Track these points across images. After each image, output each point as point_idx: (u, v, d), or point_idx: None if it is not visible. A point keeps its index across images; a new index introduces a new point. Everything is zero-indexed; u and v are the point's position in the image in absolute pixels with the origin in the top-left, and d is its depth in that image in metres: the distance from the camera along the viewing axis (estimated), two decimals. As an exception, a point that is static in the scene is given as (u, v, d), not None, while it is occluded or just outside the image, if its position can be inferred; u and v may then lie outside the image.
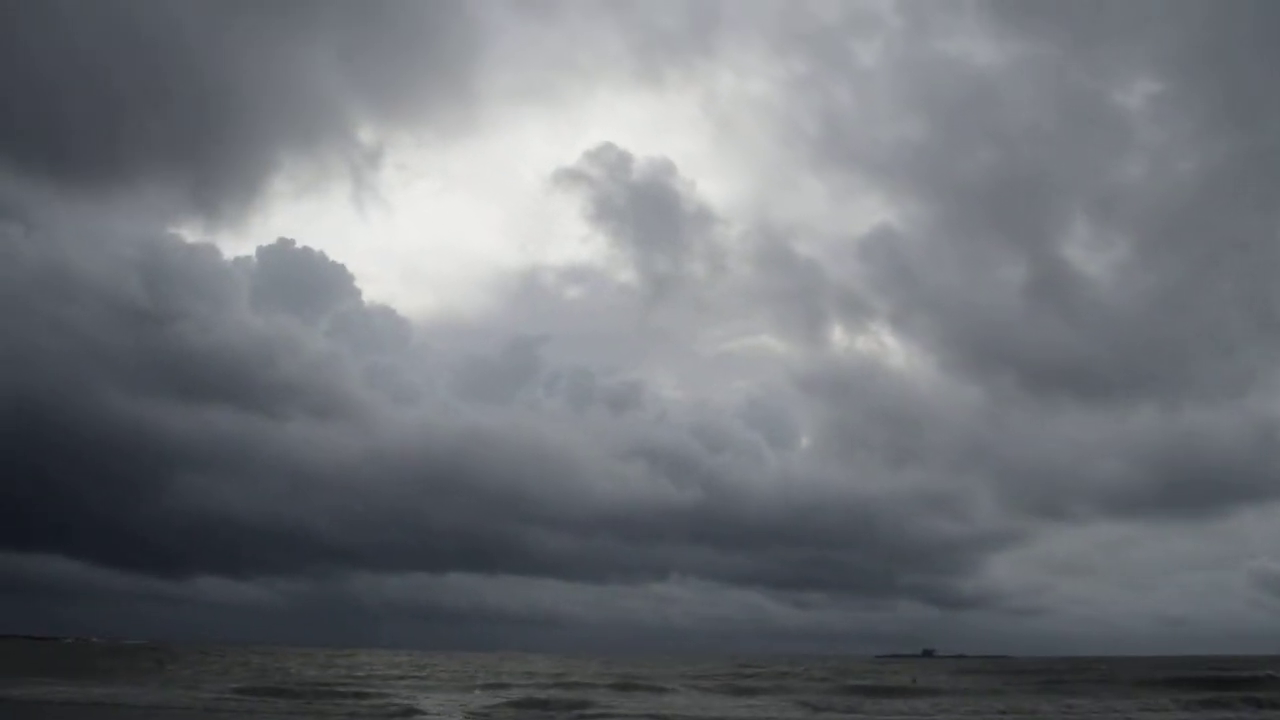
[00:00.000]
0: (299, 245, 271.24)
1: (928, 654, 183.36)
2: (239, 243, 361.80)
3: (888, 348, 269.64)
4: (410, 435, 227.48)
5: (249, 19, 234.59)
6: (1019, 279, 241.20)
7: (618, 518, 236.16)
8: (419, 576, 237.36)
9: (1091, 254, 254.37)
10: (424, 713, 33.12)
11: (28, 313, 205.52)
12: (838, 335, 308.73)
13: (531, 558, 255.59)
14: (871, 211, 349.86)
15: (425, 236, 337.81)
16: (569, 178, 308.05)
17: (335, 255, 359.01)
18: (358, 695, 42.67)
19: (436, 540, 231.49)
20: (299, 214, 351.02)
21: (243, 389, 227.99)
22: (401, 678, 49.70)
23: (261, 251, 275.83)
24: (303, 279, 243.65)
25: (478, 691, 43.86)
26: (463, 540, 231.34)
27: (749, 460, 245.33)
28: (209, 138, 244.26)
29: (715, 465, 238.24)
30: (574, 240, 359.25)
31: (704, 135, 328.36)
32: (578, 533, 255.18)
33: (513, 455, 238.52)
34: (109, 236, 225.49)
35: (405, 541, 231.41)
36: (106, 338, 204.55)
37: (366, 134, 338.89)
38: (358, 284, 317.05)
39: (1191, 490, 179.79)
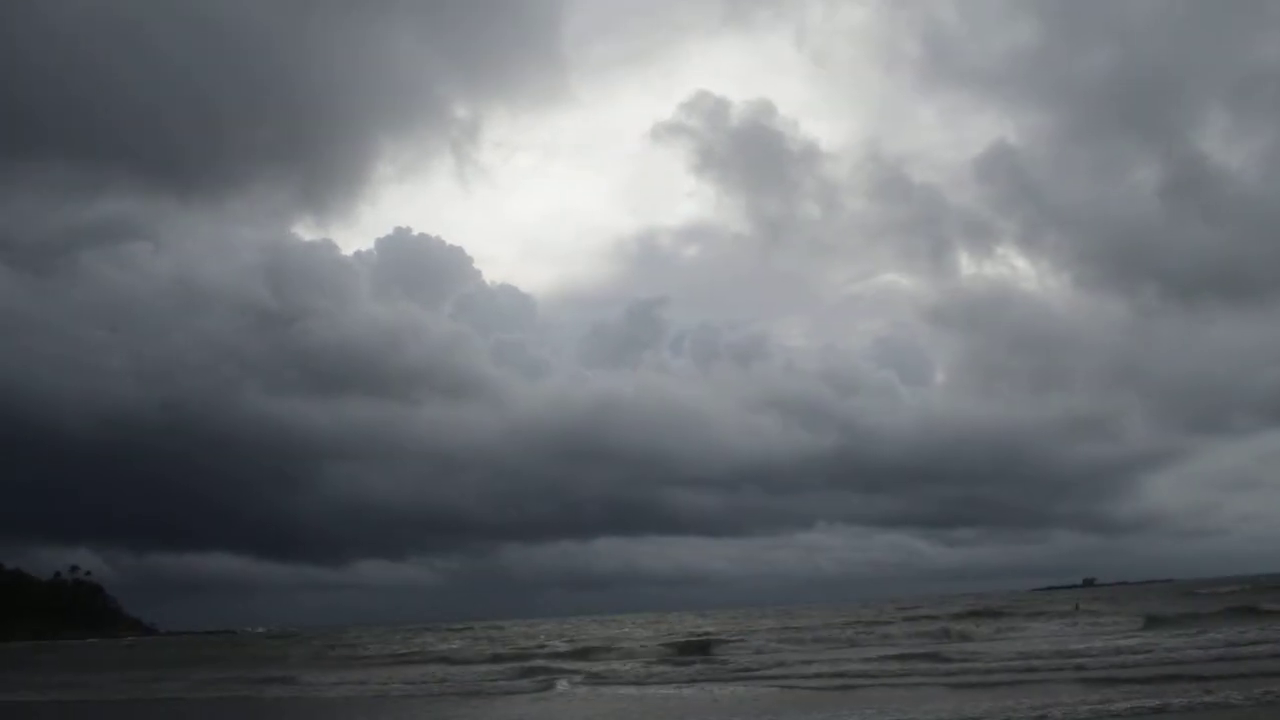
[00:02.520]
0: (415, 233, 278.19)
1: (1089, 583, 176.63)
2: (349, 234, 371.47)
3: (1018, 270, 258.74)
4: (543, 408, 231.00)
5: (329, 12, 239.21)
6: (1154, 181, 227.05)
7: (756, 470, 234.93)
8: (567, 545, 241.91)
9: (1232, 145, 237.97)
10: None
11: (166, 325, 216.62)
12: (964, 263, 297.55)
13: (675, 517, 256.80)
14: (986, 129, 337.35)
15: (535, 210, 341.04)
16: (668, 132, 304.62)
17: (451, 239, 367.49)
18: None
19: (580, 508, 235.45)
20: (405, 198, 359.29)
21: (375, 378, 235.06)
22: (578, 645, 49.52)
23: (381, 243, 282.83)
24: (424, 265, 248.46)
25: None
26: (606, 506, 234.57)
27: (884, 401, 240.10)
28: (309, 135, 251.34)
29: (849, 409, 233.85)
30: (681, 195, 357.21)
31: (801, 72, 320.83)
32: (718, 489, 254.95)
33: (646, 418, 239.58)
34: (230, 244, 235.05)
35: (550, 512, 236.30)
36: (240, 342, 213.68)
37: (462, 110, 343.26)
38: (477, 265, 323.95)
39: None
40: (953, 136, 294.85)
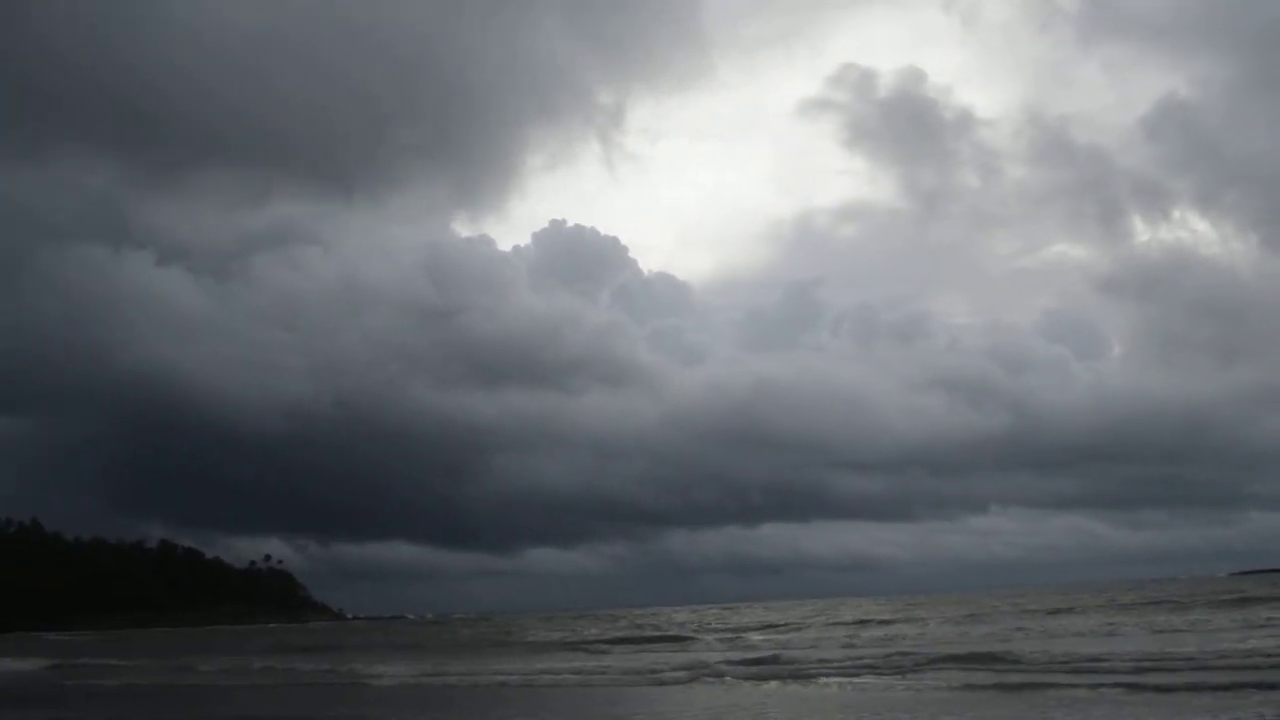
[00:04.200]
0: (570, 224, 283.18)
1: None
2: (503, 227, 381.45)
3: (1197, 233, 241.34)
4: (701, 394, 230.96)
5: (473, 8, 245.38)
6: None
7: (923, 452, 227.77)
8: (733, 530, 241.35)
9: None
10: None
11: (335, 325, 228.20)
12: (1137, 228, 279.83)
13: (841, 502, 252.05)
14: (1153, 83, 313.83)
15: (686, 196, 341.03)
16: (815, 107, 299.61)
17: (605, 229, 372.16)
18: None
19: (744, 493, 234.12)
20: (555, 188, 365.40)
21: (535, 369, 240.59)
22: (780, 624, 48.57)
23: (537, 236, 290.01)
24: (580, 257, 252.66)
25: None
26: (770, 491, 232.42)
27: (1056, 378, 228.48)
28: (461, 130, 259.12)
29: (1019, 387, 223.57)
30: (833, 172, 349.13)
31: (951, 37, 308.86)
32: (884, 472, 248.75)
33: (806, 401, 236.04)
34: (392, 243, 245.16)
35: (714, 498, 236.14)
36: (405, 338, 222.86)
37: (606, 96, 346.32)
38: (632, 254, 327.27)
39: None
40: (1117, 93, 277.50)
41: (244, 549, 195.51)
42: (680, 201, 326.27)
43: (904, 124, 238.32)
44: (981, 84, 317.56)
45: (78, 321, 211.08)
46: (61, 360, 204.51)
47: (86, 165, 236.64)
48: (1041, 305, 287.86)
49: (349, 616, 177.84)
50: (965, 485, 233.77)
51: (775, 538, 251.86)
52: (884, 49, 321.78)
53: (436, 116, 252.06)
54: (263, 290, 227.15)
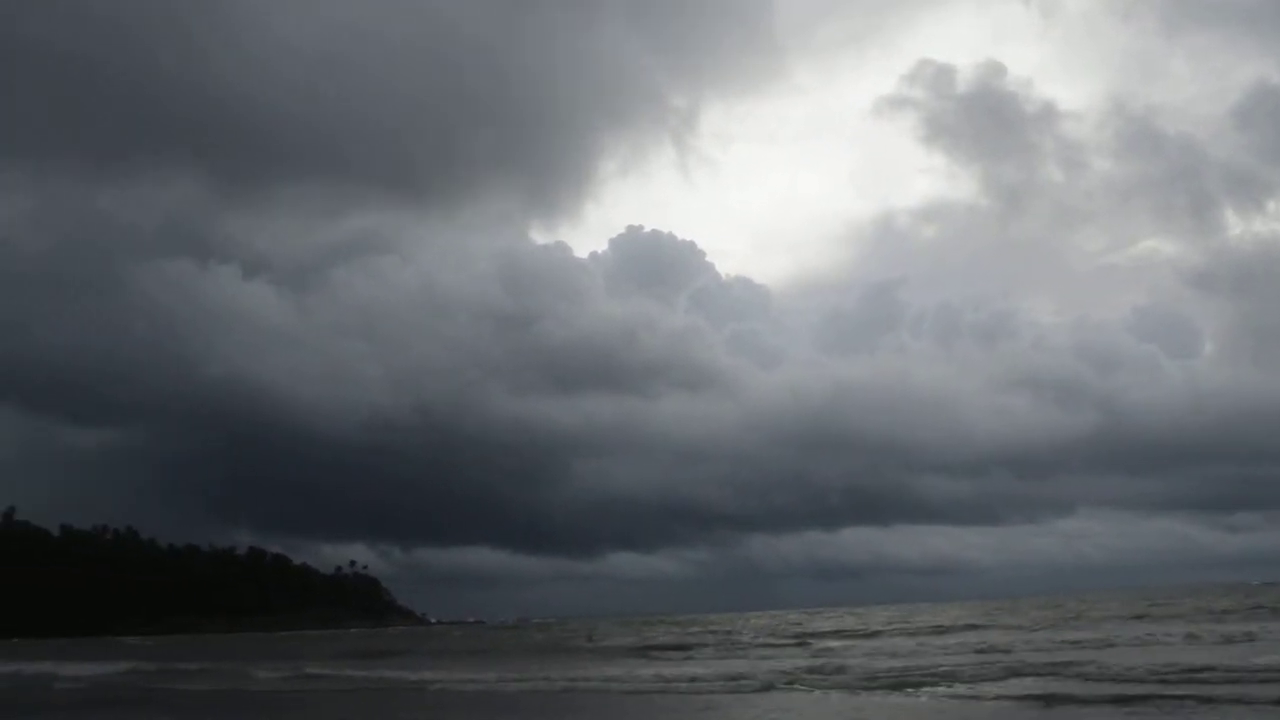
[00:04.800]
0: (647, 230, 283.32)
1: None
2: (578, 233, 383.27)
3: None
4: (780, 397, 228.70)
5: (540, 15, 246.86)
6: None
7: (1008, 454, 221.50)
8: (813, 535, 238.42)
9: None
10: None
11: (413, 334, 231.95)
12: (1230, 220, 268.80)
13: (923, 505, 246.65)
14: (1244, 71, 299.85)
15: (762, 199, 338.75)
16: (891, 106, 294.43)
17: (682, 234, 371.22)
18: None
19: (824, 497, 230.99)
20: (630, 193, 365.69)
21: (613, 375, 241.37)
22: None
23: (614, 242, 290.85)
24: (657, 262, 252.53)
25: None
26: (851, 494, 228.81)
27: (1146, 376, 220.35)
28: (532, 136, 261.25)
29: (1108, 386, 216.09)
30: (912, 171, 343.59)
31: (1030, 30, 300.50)
32: (968, 474, 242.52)
33: (886, 403, 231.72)
34: (467, 252, 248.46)
35: (794, 502, 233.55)
36: (483, 346, 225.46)
37: (679, 99, 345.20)
38: (709, 259, 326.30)
39: None
40: (1206, 82, 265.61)
41: (329, 555, 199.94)
42: (755, 205, 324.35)
43: (984, 119, 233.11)
44: (1063, 76, 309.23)
45: (166, 335, 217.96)
46: (151, 373, 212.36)
47: (169, 180, 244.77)
48: (1130, 302, 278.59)
49: (432, 621, 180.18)
50: (1052, 487, 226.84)
51: (856, 542, 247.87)
52: (961, 44, 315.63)
53: (507, 124, 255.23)
54: (342, 301, 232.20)
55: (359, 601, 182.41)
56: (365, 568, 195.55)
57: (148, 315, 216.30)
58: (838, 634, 46.46)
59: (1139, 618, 44.11)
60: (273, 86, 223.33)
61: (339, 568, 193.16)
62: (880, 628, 49.94)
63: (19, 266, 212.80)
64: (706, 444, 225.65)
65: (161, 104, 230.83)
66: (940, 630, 43.90)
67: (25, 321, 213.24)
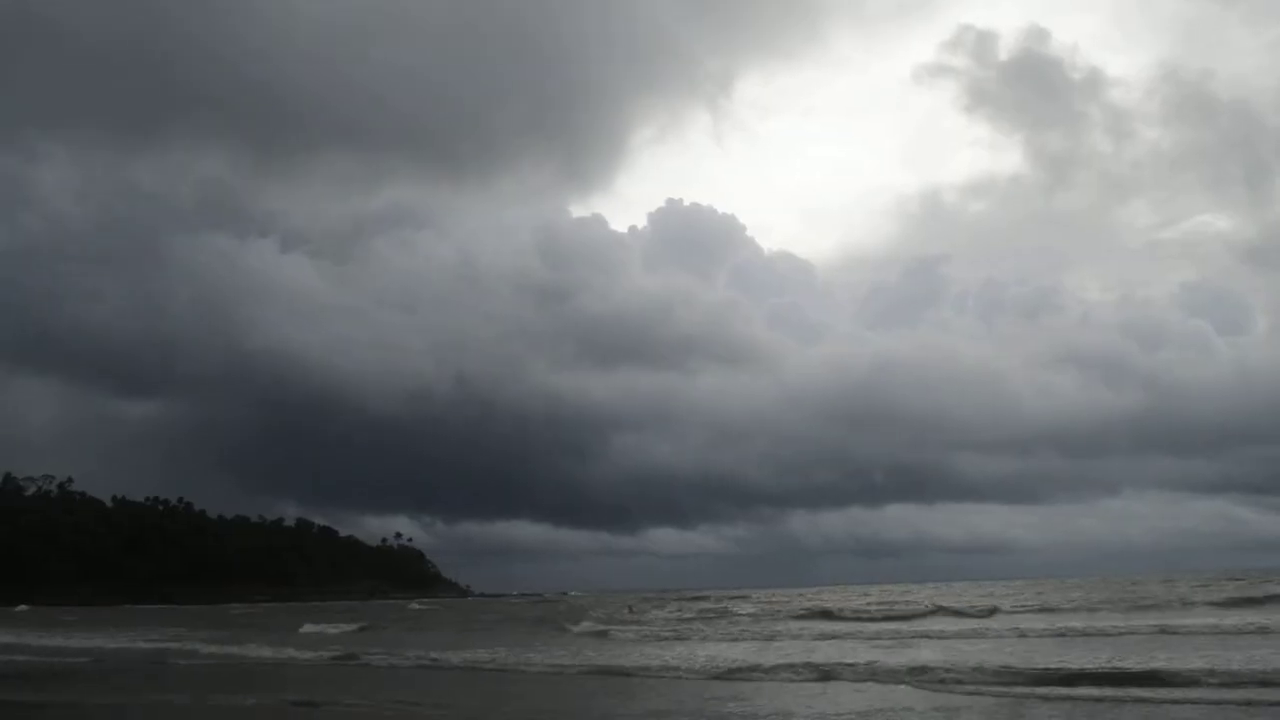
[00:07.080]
0: (687, 203, 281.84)
1: None
2: (615, 206, 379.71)
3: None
4: (821, 372, 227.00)
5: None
6: None
7: (1052, 432, 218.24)
8: (855, 512, 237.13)
9: None
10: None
11: (454, 306, 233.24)
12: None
13: (967, 483, 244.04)
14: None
15: (802, 171, 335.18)
16: (930, 74, 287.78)
17: (722, 207, 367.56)
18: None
19: (866, 474, 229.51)
20: (666, 163, 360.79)
21: (651, 349, 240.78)
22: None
23: (653, 216, 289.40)
24: (698, 236, 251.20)
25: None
26: (893, 471, 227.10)
27: (1196, 354, 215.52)
28: (566, 105, 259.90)
29: (1155, 364, 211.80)
30: (953, 141, 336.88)
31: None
32: (1012, 452, 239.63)
33: (930, 379, 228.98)
34: (505, 225, 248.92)
35: (835, 478, 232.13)
36: (522, 318, 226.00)
37: (714, 64, 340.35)
38: (749, 233, 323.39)
39: None
40: (1263, 45, 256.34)
41: (373, 527, 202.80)
42: (794, 177, 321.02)
43: (1027, 87, 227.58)
44: (1111, 41, 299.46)
45: (208, 308, 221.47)
46: (195, 346, 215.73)
47: (206, 152, 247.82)
48: (1179, 278, 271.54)
49: (475, 593, 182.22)
50: (1098, 466, 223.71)
51: (898, 519, 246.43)
52: (1002, 9, 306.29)
53: (539, 93, 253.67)
54: (381, 273, 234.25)
55: (405, 574, 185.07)
56: (410, 540, 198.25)
57: (190, 288, 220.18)
58: (887, 618, 45.56)
59: (1189, 605, 43.05)
60: (306, 59, 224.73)
61: (384, 539, 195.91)
62: (927, 606, 48.39)
63: (62, 241, 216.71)
64: (747, 420, 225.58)
65: (194, 78, 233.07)
66: (991, 614, 43.06)
67: (69, 294, 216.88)
